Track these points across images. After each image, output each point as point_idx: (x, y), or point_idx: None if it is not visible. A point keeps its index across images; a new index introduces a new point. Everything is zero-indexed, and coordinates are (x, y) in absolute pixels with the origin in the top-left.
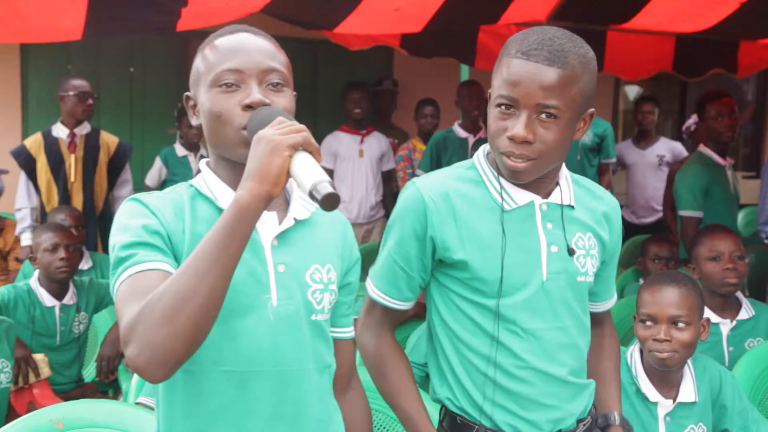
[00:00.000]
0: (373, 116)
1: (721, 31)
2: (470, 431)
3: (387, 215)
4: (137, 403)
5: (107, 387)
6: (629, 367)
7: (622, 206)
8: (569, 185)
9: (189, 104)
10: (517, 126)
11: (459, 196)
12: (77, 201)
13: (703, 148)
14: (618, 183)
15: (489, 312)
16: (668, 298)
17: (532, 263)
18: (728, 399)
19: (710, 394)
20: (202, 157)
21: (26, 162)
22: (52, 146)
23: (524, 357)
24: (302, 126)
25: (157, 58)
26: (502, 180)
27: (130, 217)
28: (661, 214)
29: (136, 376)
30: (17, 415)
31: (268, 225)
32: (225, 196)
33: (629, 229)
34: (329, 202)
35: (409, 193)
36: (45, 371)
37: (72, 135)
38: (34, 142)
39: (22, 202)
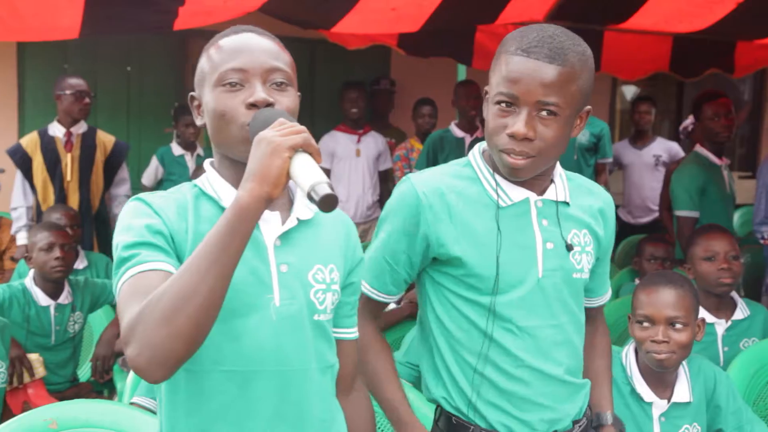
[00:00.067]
0: (371, 116)
1: (718, 32)
2: (465, 431)
3: None
4: (132, 403)
5: (102, 387)
6: (624, 367)
7: (618, 206)
8: (564, 182)
9: (193, 104)
10: (518, 123)
11: (454, 192)
12: (73, 200)
13: (699, 148)
14: (614, 183)
15: (484, 309)
16: (665, 299)
17: (527, 260)
18: (722, 399)
19: (705, 394)
20: (198, 156)
21: (22, 161)
22: (48, 145)
23: (519, 355)
24: (303, 127)
25: (154, 58)
26: (497, 177)
27: (134, 216)
28: (657, 214)
29: (131, 376)
30: (12, 415)
31: (271, 225)
32: (228, 195)
33: (625, 229)
34: (327, 204)
35: (403, 188)
36: (40, 371)
37: (68, 134)
38: (30, 141)
39: (17, 201)
